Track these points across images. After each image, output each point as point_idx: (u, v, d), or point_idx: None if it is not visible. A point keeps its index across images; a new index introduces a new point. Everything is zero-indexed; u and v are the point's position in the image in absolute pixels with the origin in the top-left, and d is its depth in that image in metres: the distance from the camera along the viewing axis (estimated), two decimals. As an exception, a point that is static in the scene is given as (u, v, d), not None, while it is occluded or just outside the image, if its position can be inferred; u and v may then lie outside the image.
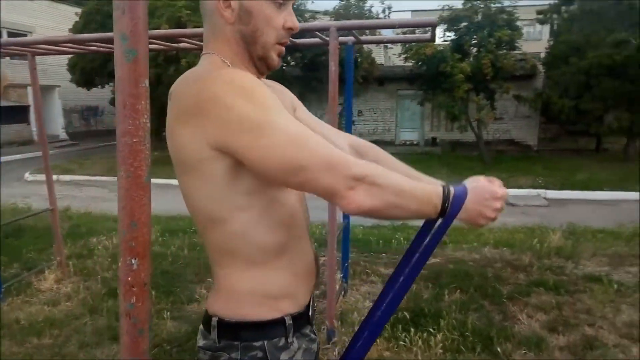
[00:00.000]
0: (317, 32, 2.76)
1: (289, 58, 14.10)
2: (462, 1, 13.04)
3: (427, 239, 0.97)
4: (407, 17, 20.32)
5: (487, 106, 12.39)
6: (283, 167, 0.82)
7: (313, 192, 0.86)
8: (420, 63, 12.86)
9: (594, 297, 3.23)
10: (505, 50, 12.31)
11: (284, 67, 14.88)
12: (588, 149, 13.59)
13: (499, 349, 2.64)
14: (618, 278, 3.62)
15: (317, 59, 13.17)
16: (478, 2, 12.78)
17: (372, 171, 0.86)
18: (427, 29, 3.13)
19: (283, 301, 0.99)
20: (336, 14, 15.80)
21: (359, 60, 13.08)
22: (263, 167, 0.83)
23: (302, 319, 1.02)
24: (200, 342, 1.01)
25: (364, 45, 13.31)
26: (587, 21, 12.37)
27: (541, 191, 9.95)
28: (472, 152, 13.51)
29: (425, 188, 0.91)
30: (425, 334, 2.74)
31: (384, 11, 18.40)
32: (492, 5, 12.54)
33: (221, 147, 0.84)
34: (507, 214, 6.72)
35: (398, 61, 16.79)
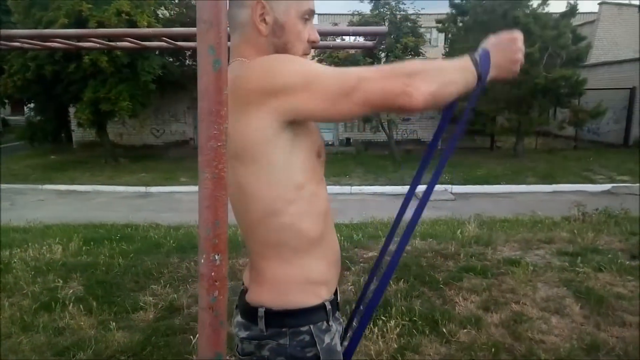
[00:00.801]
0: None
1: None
2: (370, 7, 13.71)
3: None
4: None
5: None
6: (342, 93, 0.91)
7: (377, 103, 0.93)
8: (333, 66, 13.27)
9: (515, 278, 3.66)
10: (410, 56, 13.16)
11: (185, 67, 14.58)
12: (484, 147, 14.97)
13: (444, 330, 2.90)
14: (530, 260, 4.12)
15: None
16: (384, 9, 13.53)
17: (415, 64, 0.97)
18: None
19: (322, 288, 1.08)
20: None
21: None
22: (326, 106, 0.92)
23: (334, 304, 1.11)
24: (243, 334, 1.06)
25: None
26: (479, 31, 13.67)
27: (448, 186, 10.80)
28: (384, 151, 14.24)
29: (457, 61, 1.03)
30: (380, 322, 2.92)
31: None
32: (397, 13, 13.35)
33: (284, 111, 0.91)
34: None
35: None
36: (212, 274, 0.83)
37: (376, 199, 10.09)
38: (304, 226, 1.02)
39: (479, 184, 10.95)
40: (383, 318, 3.00)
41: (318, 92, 0.91)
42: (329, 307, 1.07)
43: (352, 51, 12.55)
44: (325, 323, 1.06)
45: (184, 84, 14.26)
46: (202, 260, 0.84)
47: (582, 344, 2.73)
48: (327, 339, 1.04)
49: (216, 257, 0.83)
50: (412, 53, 13.25)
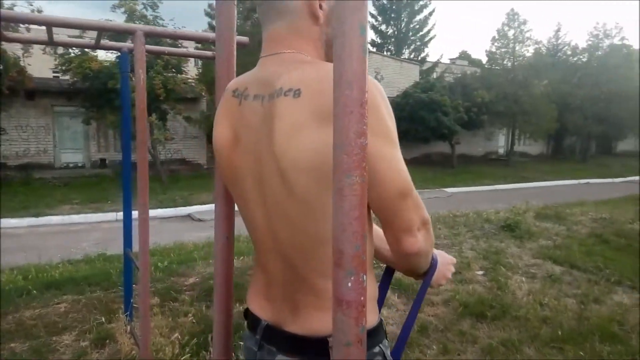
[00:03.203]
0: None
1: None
2: (125, 18, 12.74)
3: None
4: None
5: (162, 127, 12.53)
6: (398, 186, 0.81)
7: (392, 219, 0.84)
8: (83, 78, 11.76)
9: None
10: (173, 73, 12.79)
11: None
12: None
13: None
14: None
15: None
16: (140, 22, 12.79)
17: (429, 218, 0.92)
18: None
19: (376, 304, 1.00)
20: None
21: (0, 67, 10.82)
22: (385, 179, 0.81)
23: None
24: None
25: (10, 52, 11.11)
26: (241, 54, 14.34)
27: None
28: (148, 172, 13.31)
29: None
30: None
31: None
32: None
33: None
34: (199, 229, 7.19)
35: (49, 73, 14.74)
36: (362, 298, 0.67)
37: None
38: (369, 244, 0.92)
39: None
40: (241, 343, 2.81)
41: (393, 162, 0.81)
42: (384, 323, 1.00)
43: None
44: (385, 340, 0.97)
45: None
46: (349, 284, 0.66)
47: (414, 328, 3.17)
48: (389, 356, 0.96)
49: (364, 277, 0.67)
50: (174, 70, 12.90)
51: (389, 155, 0.80)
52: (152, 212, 9.77)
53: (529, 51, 21.49)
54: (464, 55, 34.33)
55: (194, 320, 3.12)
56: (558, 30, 26.72)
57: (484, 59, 22.93)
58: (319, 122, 0.78)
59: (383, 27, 28.41)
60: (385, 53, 25.11)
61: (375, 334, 0.92)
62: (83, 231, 8.22)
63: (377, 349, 0.91)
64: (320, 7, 0.90)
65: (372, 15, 28.00)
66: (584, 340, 3.05)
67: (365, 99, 0.56)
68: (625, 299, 3.82)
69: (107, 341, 2.77)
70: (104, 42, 2.67)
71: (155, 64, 12.25)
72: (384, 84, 22.31)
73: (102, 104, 12.04)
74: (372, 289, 0.94)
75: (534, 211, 7.08)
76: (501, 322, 3.30)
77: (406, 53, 27.84)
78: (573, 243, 5.54)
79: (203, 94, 14.03)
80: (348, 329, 0.62)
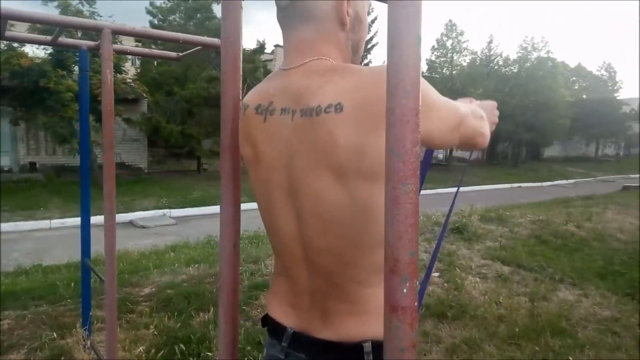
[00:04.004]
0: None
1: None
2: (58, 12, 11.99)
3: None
4: None
5: (100, 129, 11.90)
6: (455, 125, 0.90)
7: (467, 139, 0.96)
8: (11, 75, 10.92)
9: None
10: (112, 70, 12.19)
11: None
12: (191, 170, 15.22)
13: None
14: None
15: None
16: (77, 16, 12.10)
17: (475, 107, 1.04)
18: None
19: None
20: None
21: None
22: (444, 135, 0.88)
23: None
24: None
25: None
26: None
27: (166, 211, 10.50)
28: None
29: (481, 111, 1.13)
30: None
31: None
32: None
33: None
34: (142, 237, 6.96)
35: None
36: (415, 303, 0.66)
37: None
38: None
39: (196, 206, 11.06)
40: (209, 353, 2.70)
41: (442, 120, 0.86)
42: None
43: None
44: None
45: None
46: (405, 290, 0.64)
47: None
48: None
49: (417, 283, 0.66)
50: (114, 69, 12.30)
51: (432, 124, 0.84)
52: (92, 219, 9.28)
53: (465, 61, 22.60)
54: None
55: (155, 333, 2.95)
56: (490, 42, 28.36)
57: (425, 67, 23.80)
58: (367, 131, 0.78)
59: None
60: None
61: None
62: (13, 241, 7.60)
63: None
64: (347, 13, 0.89)
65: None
66: (538, 336, 3.21)
67: (419, 108, 0.56)
68: (569, 295, 4.07)
69: (62, 358, 2.56)
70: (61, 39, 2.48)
71: (93, 62, 11.62)
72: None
73: (32, 104, 11.24)
74: None
75: (478, 214, 7.39)
76: (461, 321, 3.39)
77: (350, 59, 28.29)
78: (517, 244, 5.83)
79: (145, 95, 13.50)
80: (403, 335, 0.61)
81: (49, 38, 2.47)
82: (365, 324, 0.89)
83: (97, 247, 5.77)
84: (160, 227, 9.37)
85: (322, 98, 0.81)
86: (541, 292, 4.07)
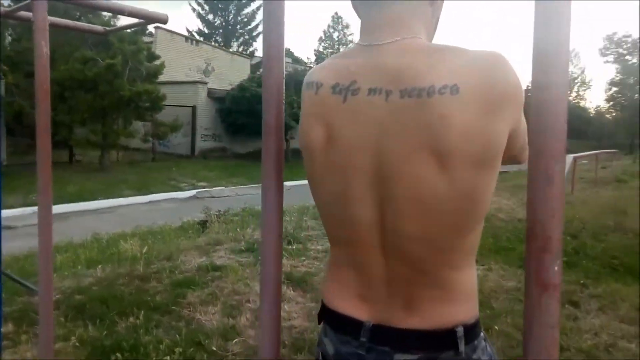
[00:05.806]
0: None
1: None
2: None
3: None
4: None
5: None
6: (525, 141, 0.90)
7: (519, 158, 0.97)
8: None
9: (230, 280, 3.74)
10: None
11: None
12: (62, 161, 13.57)
13: (214, 348, 2.68)
14: (220, 263, 4.28)
15: None
16: None
17: None
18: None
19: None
20: None
21: None
22: (519, 142, 0.89)
23: None
24: None
25: None
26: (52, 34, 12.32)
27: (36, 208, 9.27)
28: None
29: None
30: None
31: None
32: None
33: (514, 122, 0.84)
34: (10, 238, 6.19)
35: None
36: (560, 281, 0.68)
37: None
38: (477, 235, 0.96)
39: (74, 201, 9.94)
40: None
41: (525, 133, 0.87)
42: None
43: None
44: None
45: None
46: (556, 267, 0.66)
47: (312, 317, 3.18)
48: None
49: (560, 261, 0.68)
50: None
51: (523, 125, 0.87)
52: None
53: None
54: (287, 54, 35.74)
55: (77, 344, 2.57)
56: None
57: (312, 58, 24.24)
58: (483, 114, 0.76)
59: (210, 16, 27.66)
60: (213, 44, 24.52)
61: (479, 321, 0.93)
62: None
63: (482, 334, 0.92)
64: None
65: (199, 4, 27.02)
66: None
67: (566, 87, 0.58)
68: (479, 271, 4.50)
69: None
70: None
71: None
72: (215, 75, 21.85)
73: None
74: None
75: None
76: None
77: (235, 46, 27.66)
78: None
79: (1, 75, 11.62)
80: (554, 312, 0.63)
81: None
82: (457, 308, 0.87)
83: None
84: (32, 226, 8.23)
85: (434, 78, 0.76)
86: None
